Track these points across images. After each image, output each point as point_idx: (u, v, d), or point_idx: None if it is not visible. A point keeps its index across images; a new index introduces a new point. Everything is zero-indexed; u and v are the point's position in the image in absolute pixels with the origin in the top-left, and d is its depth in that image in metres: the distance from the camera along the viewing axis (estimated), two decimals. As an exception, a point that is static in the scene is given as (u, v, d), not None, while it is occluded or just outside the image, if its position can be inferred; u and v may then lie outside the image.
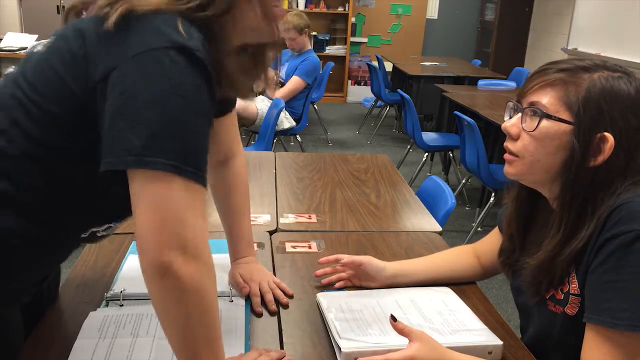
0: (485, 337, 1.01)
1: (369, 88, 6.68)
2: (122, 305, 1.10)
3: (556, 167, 0.94)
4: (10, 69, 0.90)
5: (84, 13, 0.86)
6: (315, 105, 5.56)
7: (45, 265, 0.98)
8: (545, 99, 0.94)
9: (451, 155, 4.23)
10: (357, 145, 5.59)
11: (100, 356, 0.94)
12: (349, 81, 7.93)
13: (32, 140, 0.81)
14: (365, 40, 7.89)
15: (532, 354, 1.02)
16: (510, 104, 1.02)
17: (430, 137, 4.18)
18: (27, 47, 4.78)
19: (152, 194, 0.73)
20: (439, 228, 1.60)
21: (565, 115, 0.92)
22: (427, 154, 4.15)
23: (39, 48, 0.87)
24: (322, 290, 1.19)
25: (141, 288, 1.14)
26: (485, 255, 1.24)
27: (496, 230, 1.23)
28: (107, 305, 1.11)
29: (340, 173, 2.04)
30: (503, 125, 1.00)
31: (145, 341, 0.99)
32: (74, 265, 1.27)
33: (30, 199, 0.83)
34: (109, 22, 0.76)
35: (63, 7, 7.24)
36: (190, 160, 0.75)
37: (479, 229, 3.46)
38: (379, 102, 6.23)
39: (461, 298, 1.16)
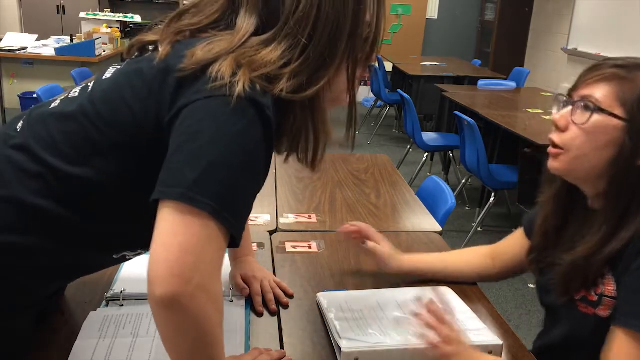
0: (485, 337, 1.01)
1: (369, 88, 6.68)
2: (122, 306, 1.10)
3: (603, 164, 0.93)
4: (76, 90, 0.91)
5: (150, 48, 0.86)
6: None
7: (69, 279, 1.01)
8: (599, 93, 0.93)
9: (451, 155, 4.23)
10: (357, 145, 5.56)
11: (101, 356, 0.94)
12: (349, 81, 7.93)
13: (88, 164, 0.81)
14: (365, 40, 7.89)
15: (558, 354, 1.02)
16: (562, 98, 1.00)
17: (430, 137, 4.18)
18: (27, 47, 4.77)
19: (179, 225, 0.71)
20: (439, 228, 1.60)
21: (618, 112, 0.91)
22: (427, 154, 4.16)
23: (108, 75, 0.87)
24: (322, 290, 1.19)
25: (141, 288, 1.14)
26: (502, 257, 1.23)
27: (519, 232, 1.21)
28: (107, 305, 1.11)
29: (340, 173, 2.04)
30: (552, 117, 0.99)
31: (145, 341, 0.99)
32: (74, 265, 1.27)
33: (71, 218, 0.82)
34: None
35: (63, 7, 7.25)
36: (230, 209, 0.74)
37: (479, 229, 3.46)
38: (379, 102, 6.23)
39: (461, 298, 1.16)
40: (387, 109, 6.11)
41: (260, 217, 1.58)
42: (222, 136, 0.73)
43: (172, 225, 0.71)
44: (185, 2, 1.13)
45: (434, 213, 1.71)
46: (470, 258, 1.28)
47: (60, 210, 0.81)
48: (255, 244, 1.38)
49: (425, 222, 1.64)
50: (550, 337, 1.10)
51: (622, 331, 0.87)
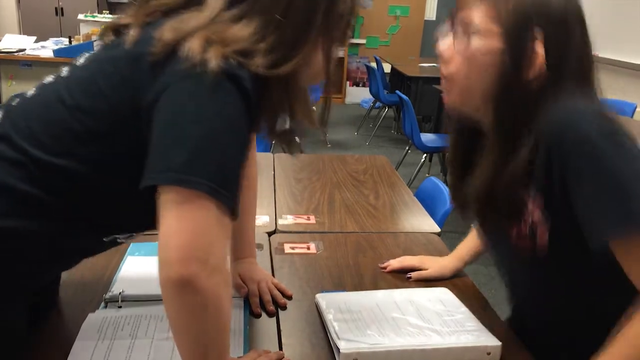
0: (484, 337, 1.01)
1: (367, 89, 6.70)
2: (120, 307, 1.10)
3: (490, 87, 0.91)
4: (50, 78, 0.91)
5: (123, 33, 0.85)
6: (313, 107, 5.56)
7: (65, 265, 1.00)
8: (476, 15, 0.91)
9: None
10: (356, 147, 5.59)
11: (99, 358, 0.94)
12: (348, 82, 7.94)
13: (69, 154, 0.82)
14: (363, 41, 7.90)
15: (527, 314, 1.01)
16: (445, 26, 0.98)
17: (428, 138, 4.18)
18: (25, 49, 4.77)
19: (183, 210, 0.72)
20: (437, 229, 1.60)
21: (495, 30, 0.89)
22: (425, 154, 4.16)
23: (82, 61, 0.88)
24: (320, 291, 1.19)
25: (140, 289, 1.14)
26: None
27: None
28: (105, 306, 1.11)
29: (338, 174, 2.04)
30: (437, 49, 0.97)
31: (144, 343, 0.99)
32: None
33: (58, 204, 0.83)
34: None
35: (62, 9, 7.25)
36: (226, 184, 0.75)
37: (478, 229, 3.46)
38: (378, 103, 6.23)
39: (460, 298, 1.16)
40: (386, 110, 6.12)
41: (259, 218, 1.58)
42: (203, 114, 0.74)
43: (175, 211, 0.72)
44: None
45: (432, 214, 1.71)
46: None
47: (45, 196, 0.82)
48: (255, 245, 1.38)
49: (424, 223, 1.64)
50: (517, 308, 1.10)
51: (619, 243, 0.82)
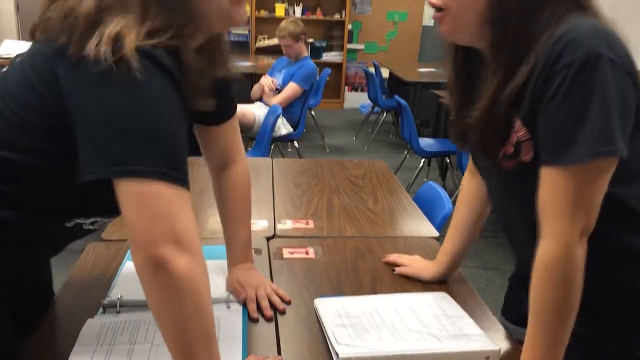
0: (483, 342, 1.01)
1: (365, 94, 6.70)
2: (119, 312, 1.10)
3: (484, 9, 0.89)
4: None
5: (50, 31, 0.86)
6: (312, 112, 5.57)
7: (30, 253, 1.00)
8: None
9: (448, 160, 4.24)
10: (354, 151, 5.59)
11: (98, 363, 0.94)
12: (346, 87, 7.95)
13: (11, 143, 0.85)
14: (362, 47, 7.91)
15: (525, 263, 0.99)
16: None
17: (427, 142, 4.19)
18: (24, 55, 4.78)
19: (139, 196, 0.76)
20: (436, 233, 1.60)
21: None
22: (424, 159, 4.16)
23: (20, 57, 0.91)
24: (319, 296, 1.19)
25: (138, 295, 1.14)
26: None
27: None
28: (104, 312, 1.11)
29: (337, 179, 2.04)
30: None
31: (143, 348, 0.98)
32: (71, 272, 1.26)
33: (10, 190, 0.87)
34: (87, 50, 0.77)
35: (60, 14, 7.26)
36: (172, 164, 0.78)
37: (477, 234, 3.47)
38: (376, 108, 6.24)
39: (459, 303, 1.16)
40: (384, 115, 6.13)
41: (257, 223, 1.58)
42: (130, 101, 0.76)
43: (133, 201, 0.77)
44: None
45: (431, 218, 1.71)
46: (464, 213, 1.26)
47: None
48: (252, 250, 1.38)
49: (423, 227, 1.64)
50: (516, 243, 1.10)
51: (548, 169, 0.86)
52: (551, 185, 0.85)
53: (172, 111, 0.80)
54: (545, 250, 0.87)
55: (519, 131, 0.90)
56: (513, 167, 0.94)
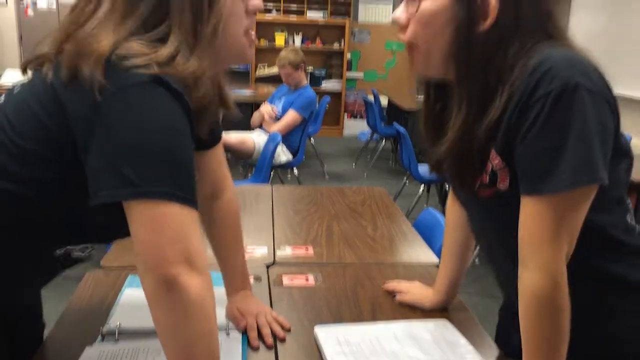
0: (484, 369, 1.00)
1: (365, 122, 6.75)
2: (118, 340, 1.09)
3: (450, 44, 0.90)
4: None
5: (44, 66, 0.87)
6: (311, 139, 5.60)
7: (24, 284, 0.99)
8: None
9: (447, 187, 4.25)
10: (354, 178, 5.61)
11: (95, 392, 0.93)
12: (345, 115, 8.01)
13: (9, 174, 0.85)
14: (360, 75, 8.00)
15: (498, 256, 1.01)
16: None
17: (426, 169, 4.19)
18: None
19: (151, 218, 0.77)
20: (436, 260, 1.60)
21: None
22: (423, 186, 4.17)
23: (18, 88, 0.91)
24: (319, 323, 1.18)
25: (137, 322, 1.13)
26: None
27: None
28: (103, 340, 1.10)
29: (337, 206, 2.05)
30: (392, 17, 0.97)
31: (141, 376, 0.98)
32: (69, 300, 1.26)
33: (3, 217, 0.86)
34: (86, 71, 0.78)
35: (63, 44, 7.36)
36: (183, 186, 0.79)
37: (476, 261, 3.45)
38: (375, 136, 6.28)
39: (459, 330, 1.15)
40: (383, 142, 6.16)
41: (257, 249, 1.58)
42: (142, 124, 0.77)
43: (145, 223, 0.77)
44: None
45: (431, 245, 1.71)
46: (454, 237, 1.26)
47: None
48: (252, 277, 1.37)
49: (423, 254, 1.64)
50: (498, 270, 1.09)
51: (529, 199, 0.86)
52: (533, 215, 0.85)
53: (183, 133, 0.81)
54: (532, 281, 0.86)
55: (494, 160, 0.91)
56: (490, 196, 0.94)
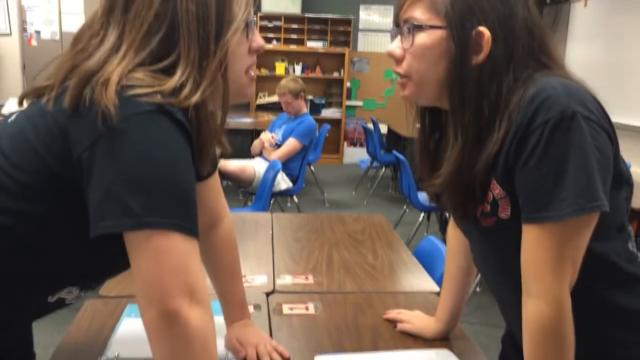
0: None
1: (364, 149, 6.78)
2: (115, 371, 1.08)
3: (444, 77, 0.92)
4: None
5: (43, 97, 0.87)
6: (311, 167, 5.62)
7: (7, 322, 0.96)
8: (417, 12, 0.92)
9: (447, 215, 4.24)
10: (354, 206, 5.60)
11: None
12: (345, 143, 8.05)
13: (3, 209, 0.83)
14: (360, 103, 8.07)
15: (499, 283, 1.00)
16: (393, 32, 0.99)
17: (426, 197, 4.20)
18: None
19: (154, 249, 0.76)
20: (436, 288, 1.58)
21: (436, 22, 0.90)
22: (423, 213, 4.17)
23: (12, 118, 0.90)
24: (319, 353, 1.17)
25: (136, 352, 1.12)
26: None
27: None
28: (100, 370, 1.09)
29: (337, 233, 2.04)
30: (386, 51, 0.98)
31: (138, 408, 0.96)
32: (68, 329, 1.25)
33: None
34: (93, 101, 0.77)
35: (65, 73, 7.43)
36: (186, 217, 0.78)
37: (478, 289, 3.43)
38: (375, 163, 6.30)
39: (461, 359, 1.14)
40: (383, 169, 6.18)
41: (256, 278, 1.57)
42: (146, 154, 0.76)
43: (148, 254, 0.76)
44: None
45: (431, 273, 1.70)
46: (455, 264, 1.26)
47: None
48: (251, 306, 1.36)
49: (423, 282, 1.63)
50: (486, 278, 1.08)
51: (531, 227, 0.85)
52: (535, 243, 0.85)
53: (185, 163, 0.81)
54: (536, 309, 0.86)
55: (494, 189, 0.91)
56: (492, 225, 0.94)
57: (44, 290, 0.92)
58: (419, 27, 0.91)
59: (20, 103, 0.91)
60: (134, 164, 0.76)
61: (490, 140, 0.88)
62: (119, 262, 0.90)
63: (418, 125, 1.09)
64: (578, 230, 0.84)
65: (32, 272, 0.87)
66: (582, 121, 0.81)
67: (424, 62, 0.92)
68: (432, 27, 0.91)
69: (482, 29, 0.88)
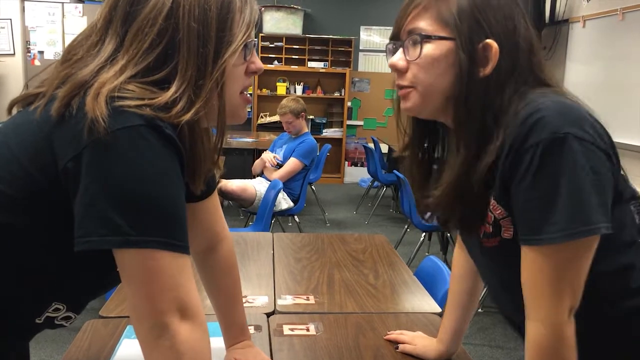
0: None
1: (365, 169, 6.79)
2: (114, 392, 1.07)
3: (450, 87, 0.91)
4: None
5: (33, 104, 0.86)
6: (312, 186, 5.62)
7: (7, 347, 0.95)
8: (422, 23, 0.92)
9: (449, 235, 4.23)
10: (355, 226, 5.59)
11: None
12: (346, 162, 8.06)
13: None
14: (361, 123, 8.10)
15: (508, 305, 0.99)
16: (390, 46, 0.99)
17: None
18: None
19: (142, 268, 0.76)
20: (438, 309, 1.58)
21: (444, 33, 0.90)
22: (424, 233, 4.15)
23: None
24: (320, 375, 1.16)
25: (135, 373, 1.11)
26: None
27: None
28: (99, 392, 1.07)
29: (338, 253, 2.04)
30: (389, 63, 0.97)
31: None
32: (68, 350, 1.24)
33: None
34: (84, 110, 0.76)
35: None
36: (175, 234, 0.78)
37: (480, 310, 3.40)
38: (376, 183, 6.30)
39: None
40: (384, 189, 6.17)
41: (257, 298, 1.57)
42: (135, 171, 0.75)
43: (132, 268, 0.76)
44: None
45: (433, 294, 1.69)
46: (460, 286, 1.25)
47: None
48: (252, 327, 1.35)
49: (425, 303, 1.62)
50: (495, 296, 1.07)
51: (526, 249, 0.85)
52: (531, 266, 0.85)
53: (174, 180, 0.79)
54: (534, 332, 0.85)
55: (495, 210, 0.91)
56: (496, 245, 0.94)
57: (29, 308, 0.90)
58: (427, 38, 0.91)
59: (9, 111, 0.89)
60: (120, 180, 0.74)
61: (487, 151, 0.89)
62: (103, 277, 0.91)
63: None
64: (574, 254, 0.83)
65: (15, 286, 0.85)
66: (574, 143, 0.80)
67: (431, 72, 0.92)
68: (440, 37, 0.91)
69: (490, 41, 0.89)
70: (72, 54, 0.87)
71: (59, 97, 0.79)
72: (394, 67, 0.96)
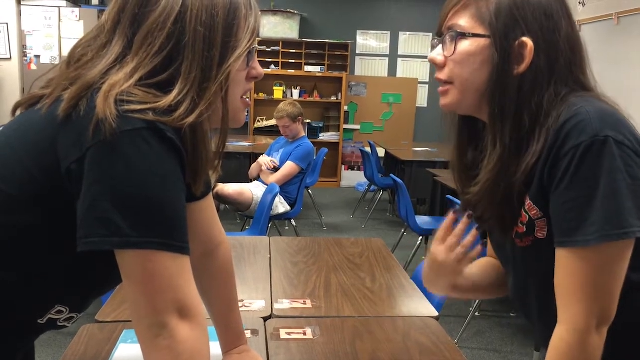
0: None
1: (362, 173, 6.79)
2: (110, 397, 1.06)
3: (485, 84, 0.92)
4: None
5: (37, 106, 0.86)
6: (309, 190, 5.62)
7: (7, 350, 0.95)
8: (462, 20, 0.93)
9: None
10: (352, 230, 5.59)
11: None
12: (343, 166, 8.07)
13: None
14: (357, 127, 8.11)
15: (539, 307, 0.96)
16: (434, 42, 1.00)
17: (424, 220, 4.20)
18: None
19: (142, 269, 0.77)
20: (435, 313, 1.57)
21: (480, 30, 0.91)
22: (421, 237, 4.15)
23: (1, 129, 0.88)
24: (317, 379, 1.16)
25: (132, 378, 1.11)
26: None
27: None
28: (95, 397, 1.07)
29: (335, 257, 2.03)
30: (428, 58, 0.99)
31: None
32: (63, 355, 1.23)
33: None
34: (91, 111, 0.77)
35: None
36: (175, 235, 0.79)
37: (477, 313, 3.40)
38: (373, 187, 6.30)
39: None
40: (381, 193, 6.18)
41: (254, 302, 1.56)
42: (135, 173, 0.76)
43: (137, 273, 0.77)
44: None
45: (430, 298, 1.69)
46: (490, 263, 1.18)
47: None
48: (249, 331, 1.35)
49: (422, 307, 1.62)
50: (523, 299, 1.05)
51: (561, 251, 0.85)
52: (565, 268, 0.85)
53: (174, 182, 0.80)
54: (558, 336, 0.85)
55: (531, 210, 0.91)
56: (529, 245, 0.93)
57: (32, 310, 0.90)
58: (462, 35, 0.93)
59: (14, 112, 0.90)
60: (123, 182, 0.75)
61: (529, 151, 0.89)
62: (104, 277, 0.91)
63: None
64: (608, 259, 0.82)
65: (18, 288, 0.86)
66: (614, 146, 0.81)
67: (466, 68, 0.93)
68: (475, 35, 0.92)
69: (525, 39, 0.89)
70: (81, 55, 0.87)
71: (66, 98, 0.80)
72: (432, 62, 0.98)
